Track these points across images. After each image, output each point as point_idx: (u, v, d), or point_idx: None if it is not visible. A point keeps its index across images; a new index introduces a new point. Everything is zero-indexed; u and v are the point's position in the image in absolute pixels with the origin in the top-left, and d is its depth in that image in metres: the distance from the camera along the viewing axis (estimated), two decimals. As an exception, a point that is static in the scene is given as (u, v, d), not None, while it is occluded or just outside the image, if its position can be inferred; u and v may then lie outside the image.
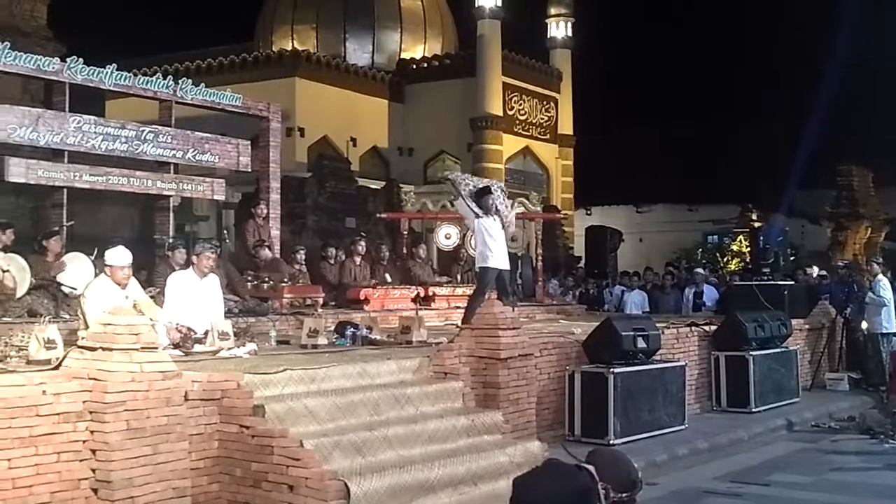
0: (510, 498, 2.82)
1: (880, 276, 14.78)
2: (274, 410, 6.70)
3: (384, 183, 28.03)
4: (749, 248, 25.40)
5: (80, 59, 12.21)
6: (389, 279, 14.49)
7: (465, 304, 11.09)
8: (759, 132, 45.34)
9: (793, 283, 15.92)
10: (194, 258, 9.06)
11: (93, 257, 9.92)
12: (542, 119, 36.44)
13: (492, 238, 10.51)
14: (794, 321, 13.67)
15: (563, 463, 2.89)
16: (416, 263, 15.43)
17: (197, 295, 8.80)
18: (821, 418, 11.92)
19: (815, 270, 19.44)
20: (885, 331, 14.37)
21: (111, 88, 12.76)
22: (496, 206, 10.65)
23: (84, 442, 5.88)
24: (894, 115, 31.55)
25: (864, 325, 14.62)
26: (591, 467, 2.95)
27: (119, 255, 8.08)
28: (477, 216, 10.52)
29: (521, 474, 2.83)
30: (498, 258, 10.55)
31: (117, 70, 12.60)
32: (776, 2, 44.62)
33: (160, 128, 13.16)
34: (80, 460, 5.86)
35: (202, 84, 13.84)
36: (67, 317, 9.36)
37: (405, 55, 35.33)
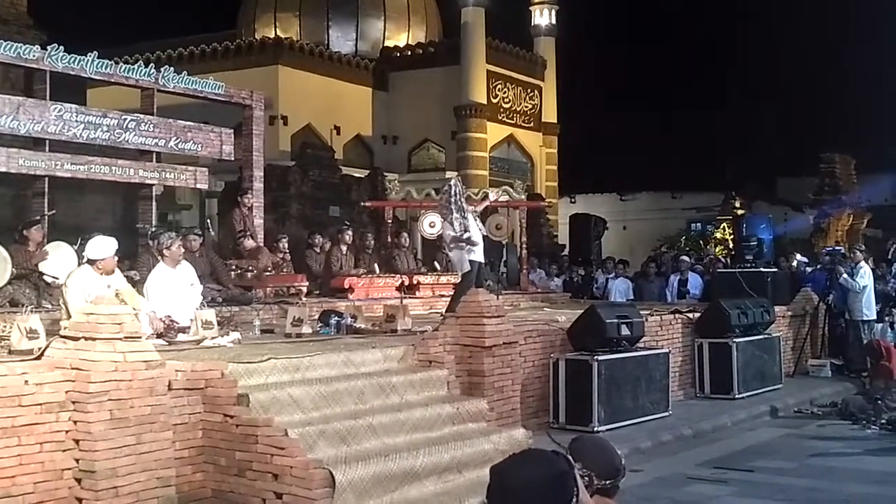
0: (488, 485, 2.82)
1: (861, 263, 14.84)
2: (258, 399, 6.69)
3: (368, 171, 27.90)
4: (732, 236, 25.51)
5: (61, 47, 12.11)
6: (378, 269, 14.47)
7: (452, 294, 11.18)
8: (743, 120, 45.54)
9: (776, 270, 15.98)
10: (165, 251, 9.03)
11: (75, 247, 9.86)
12: (526, 107, 36.38)
13: (475, 233, 10.87)
14: (777, 308, 13.71)
15: (539, 449, 2.90)
16: (400, 252, 15.41)
17: (175, 285, 8.78)
18: (803, 404, 11.98)
19: (798, 257, 19.51)
20: (866, 318, 14.45)
21: (92, 76, 12.68)
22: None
23: (67, 432, 5.86)
24: (876, 103, 31.78)
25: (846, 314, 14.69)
26: (566, 452, 2.96)
27: (102, 248, 7.99)
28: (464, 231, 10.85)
29: (498, 462, 2.83)
30: (479, 252, 10.96)
31: (98, 58, 12.50)
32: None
33: (142, 116, 13.07)
34: (64, 450, 5.84)
35: (184, 72, 13.77)
36: (49, 306, 9.32)
37: (389, 43, 35.17)
